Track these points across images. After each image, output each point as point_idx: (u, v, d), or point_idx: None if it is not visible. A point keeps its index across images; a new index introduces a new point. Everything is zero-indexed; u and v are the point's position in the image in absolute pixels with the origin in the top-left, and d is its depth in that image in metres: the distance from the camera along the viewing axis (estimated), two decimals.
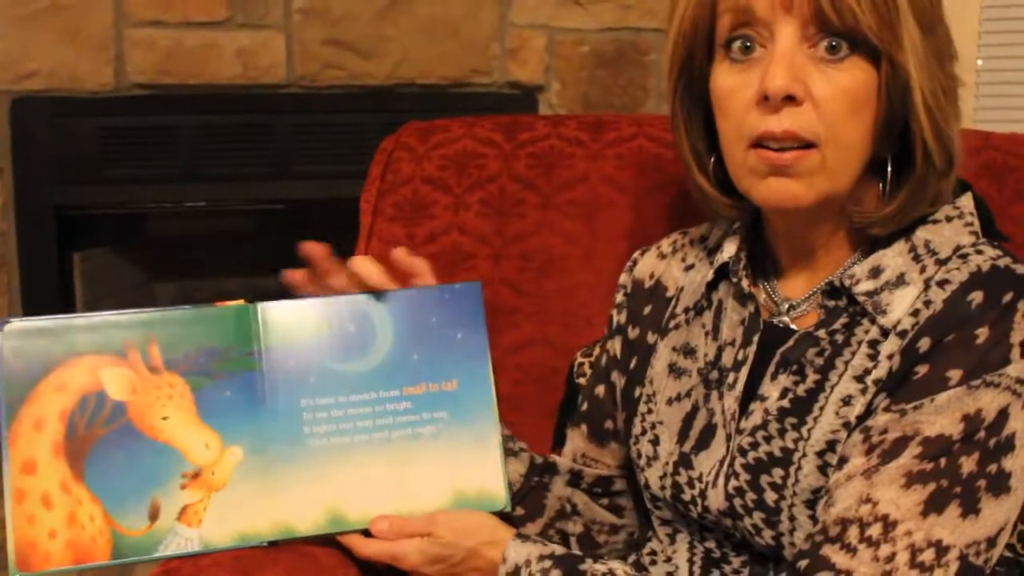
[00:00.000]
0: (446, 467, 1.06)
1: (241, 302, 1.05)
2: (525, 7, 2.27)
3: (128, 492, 0.99)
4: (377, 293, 1.07)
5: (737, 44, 0.91)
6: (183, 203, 2.31)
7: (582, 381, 1.28)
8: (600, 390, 1.16)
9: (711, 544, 1.02)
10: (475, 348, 1.08)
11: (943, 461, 0.84)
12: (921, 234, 0.94)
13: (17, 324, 0.99)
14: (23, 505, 0.97)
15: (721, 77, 0.93)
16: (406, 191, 1.45)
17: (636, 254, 1.18)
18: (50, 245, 2.21)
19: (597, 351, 1.21)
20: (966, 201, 0.97)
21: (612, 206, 1.42)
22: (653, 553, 1.08)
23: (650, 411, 1.07)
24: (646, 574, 0.99)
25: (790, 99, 0.88)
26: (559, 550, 1.00)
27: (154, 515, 1.00)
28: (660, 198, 1.42)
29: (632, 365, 1.11)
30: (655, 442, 1.05)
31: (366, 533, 1.04)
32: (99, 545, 0.98)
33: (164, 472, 1.00)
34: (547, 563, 0.98)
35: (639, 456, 1.07)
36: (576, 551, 1.01)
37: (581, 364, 1.30)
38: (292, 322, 1.05)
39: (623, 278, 1.17)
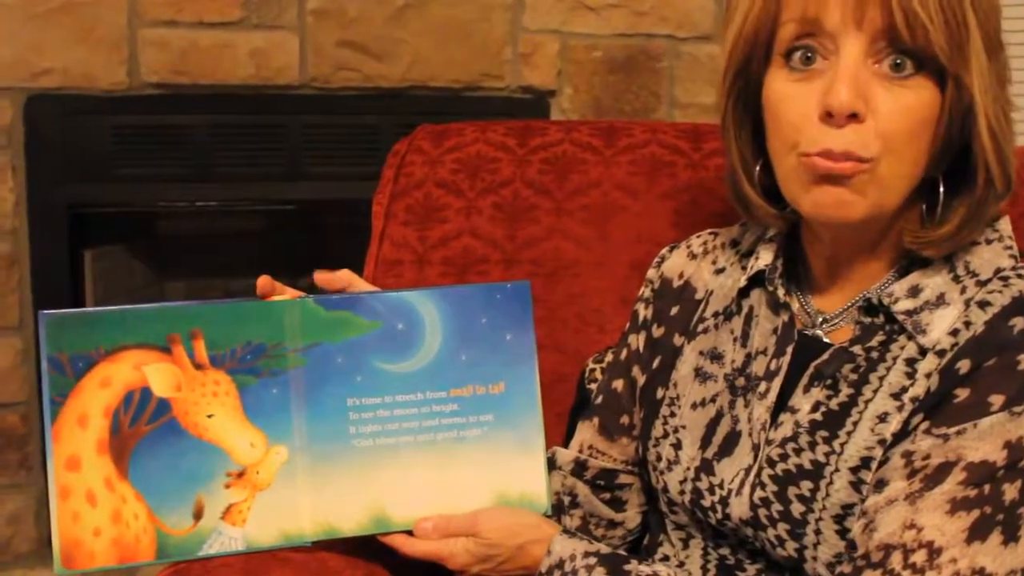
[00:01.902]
0: (490, 470, 1.06)
1: (291, 296, 1.04)
2: (538, 12, 2.28)
3: (172, 491, 0.99)
4: (428, 290, 1.06)
5: (798, 54, 0.89)
6: (195, 202, 2.32)
7: (593, 387, 1.28)
8: (618, 384, 1.15)
9: (725, 551, 1.02)
10: (523, 350, 1.07)
11: (987, 488, 0.84)
12: (961, 255, 0.93)
13: (58, 315, 0.98)
14: (68, 502, 0.96)
15: (778, 85, 0.91)
16: (418, 194, 1.45)
17: (664, 251, 1.17)
18: (62, 243, 2.22)
19: (617, 345, 1.20)
20: (1004, 224, 0.96)
21: (624, 212, 1.42)
22: (665, 558, 1.08)
23: (673, 414, 1.06)
24: None
25: (853, 116, 0.86)
26: (604, 549, 1.00)
27: (198, 514, 0.99)
28: (672, 205, 1.42)
29: (655, 365, 1.10)
30: (677, 446, 1.04)
31: (409, 533, 1.04)
32: (143, 544, 0.98)
33: (209, 471, 1.00)
34: (592, 559, 0.98)
35: (659, 459, 1.06)
36: (621, 552, 1.01)
37: (592, 370, 1.30)
38: (341, 319, 1.03)
39: (651, 273, 1.16)
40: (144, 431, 0.99)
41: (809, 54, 0.89)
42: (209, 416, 1.00)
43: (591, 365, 1.31)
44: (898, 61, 0.86)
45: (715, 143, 1.45)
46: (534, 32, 2.29)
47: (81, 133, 2.18)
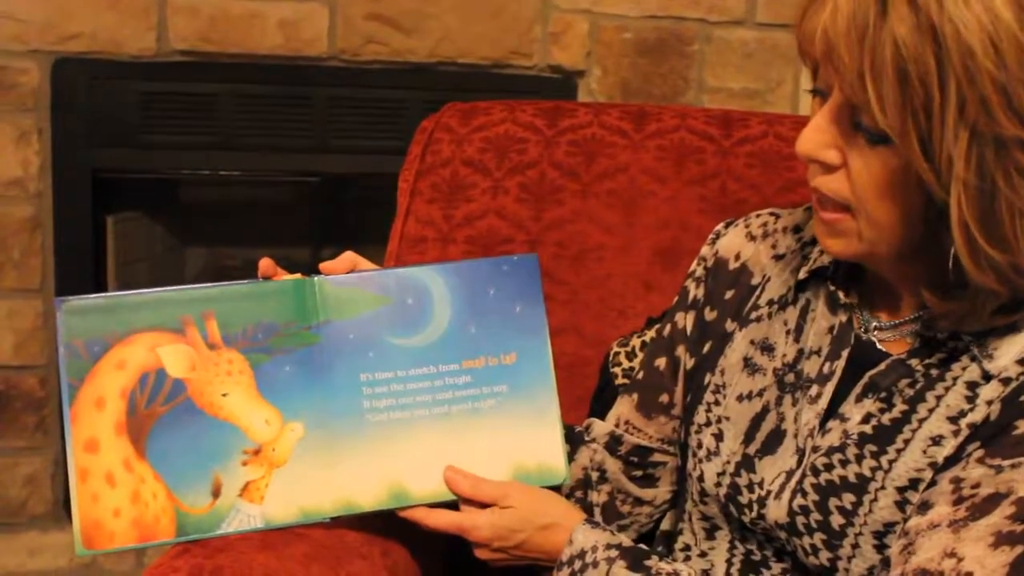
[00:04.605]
0: (506, 441, 1.06)
1: (299, 276, 1.04)
2: None
3: (190, 470, 0.99)
4: (436, 265, 1.07)
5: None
6: (219, 171, 2.31)
7: (617, 371, 1.28)
8: (661, 362, 1.13)
9: (752, 546, 1.01)
10: (533, 321, 1.07)
11: None
12: None
13: (75, 302, 0.99)
14: (87, 484, 0.97)
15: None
16: (445, 172, 1.44)
17: (719, 227, 1.13)
18: (85, 207, 2.22)
19: (662, 321, 1.17)
20: None
21: (651, 197, 1.41)
22: (687, 548, 1.07)
23: (717, 403, 1.04)
24: None
25: (817, 163, 0.87)
26: (627, 542, 0.99)
27: (216, 492, 1.00)
28: (700, 191, 1.41)
29: (705, 349, 1.08)
30: (719, 437, 1.03)
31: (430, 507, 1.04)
32: (163, 523, 0.99)
33: (225, 449, 1.00)
34: (613, 552, 0.98)
35: (699, 446, 1.05)
36: (642, 545, 1.00)
37: (616, 354, 1.30)
38: (351, 296, 1.04)
39: (705, 250, 1.12)
40: (160, 411, 0.99)
41: (820, 87, 0.88)
42: (224, 395, 1.00)
43: (615, 349, 1.30)
44: (858, 128, 0.84)
45: (746, 131, 1.44)
46: (565, 11, 2.27)
47: (107, 98, 2.18)
